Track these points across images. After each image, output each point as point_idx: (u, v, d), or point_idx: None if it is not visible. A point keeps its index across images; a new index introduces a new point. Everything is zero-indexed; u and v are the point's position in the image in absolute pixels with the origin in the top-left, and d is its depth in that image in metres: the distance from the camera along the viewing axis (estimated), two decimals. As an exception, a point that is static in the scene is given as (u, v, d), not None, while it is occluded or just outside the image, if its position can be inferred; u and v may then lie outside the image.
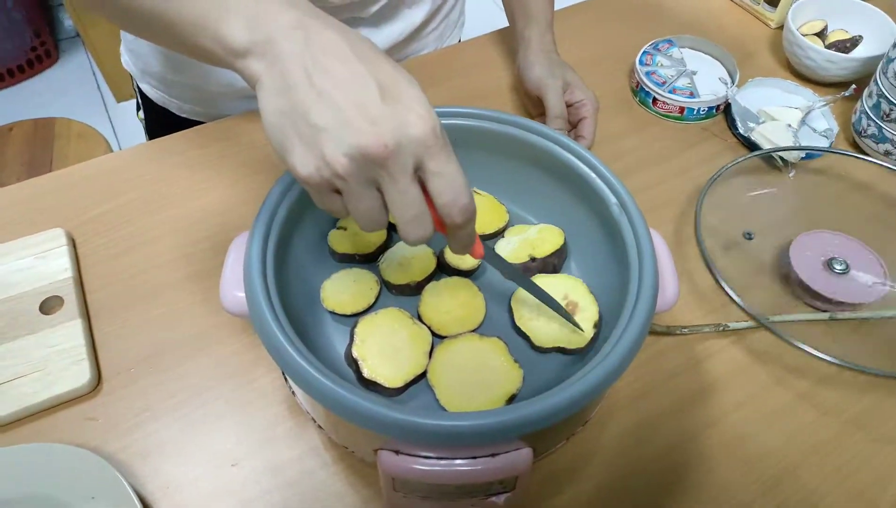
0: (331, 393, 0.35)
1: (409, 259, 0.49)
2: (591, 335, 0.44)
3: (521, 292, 0.47)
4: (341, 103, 0.31)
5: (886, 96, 0.61)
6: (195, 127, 0.67)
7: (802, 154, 0.64)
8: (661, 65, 0.72)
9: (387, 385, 0.42)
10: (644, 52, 0.73)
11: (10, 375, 0.49)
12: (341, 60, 0.31)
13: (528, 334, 0.45)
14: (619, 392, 0.50)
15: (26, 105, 1.85)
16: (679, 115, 0.70)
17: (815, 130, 0.69)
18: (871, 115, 0.64)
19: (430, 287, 0.48)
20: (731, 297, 0.53)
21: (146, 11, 0.38)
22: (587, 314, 0.45)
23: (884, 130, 0.63)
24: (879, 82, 0.62)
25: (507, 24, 0.75)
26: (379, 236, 0.50)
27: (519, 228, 0.52)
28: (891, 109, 0.61)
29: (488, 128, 0.49)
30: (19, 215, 0.60)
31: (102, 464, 0.43)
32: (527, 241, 0.50)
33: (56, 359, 0.50)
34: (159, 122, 0.76)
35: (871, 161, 0.62)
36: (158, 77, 0.72)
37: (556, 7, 0.72)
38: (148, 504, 0.44)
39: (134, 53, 0.72)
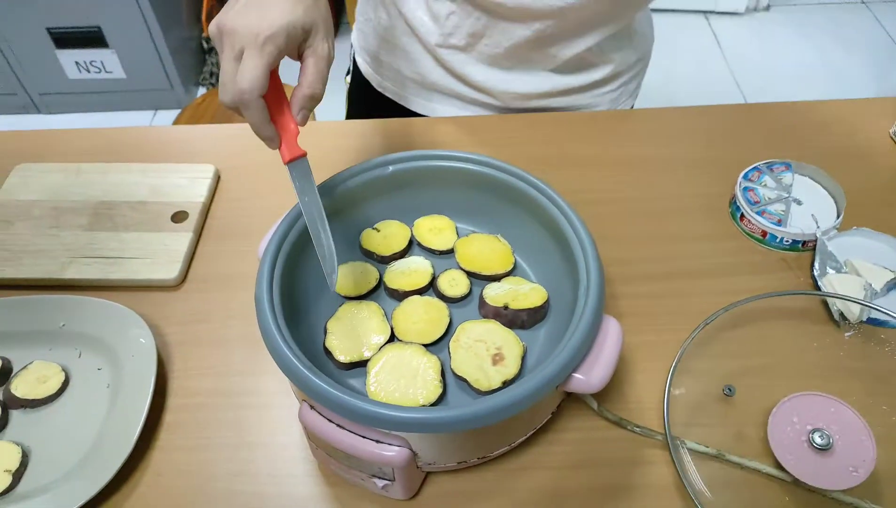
0: (273, 346, 0.46)
1: (410, 273, 0.58)
2: (497, 386, 0.49)
3: (464, 332, 0.54)
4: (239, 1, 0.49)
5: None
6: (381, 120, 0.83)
7: (864, 316, 0.60)
8: (766, 185, 0.71)
9: (336, 357, 0.52)
10: (755, 167, 0.73)
11: (130, 254, 0.67)
12: None
13: (451, 356, 0.52)
14: (545, 452, 0.54)
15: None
16: (762, 238, 0.69)
17: (907, 300, 0.63)
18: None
19: (412, 299, 0.56)
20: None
21: None
22: (505, 371, 0.50)
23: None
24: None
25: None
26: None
27: (517, 279, 0.58)
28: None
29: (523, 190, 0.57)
30: (191, 148, 0.80)
31: (149, 334, 0.59)
32: (513, 291, 0.56)
33: (162, 254, 0.67)
34: (359, 90, 0.93)
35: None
36: (372, 54, 0.88)
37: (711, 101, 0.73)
38: (165, 379, 0.59)
39: (361, 32, 0.89)
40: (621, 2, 0.73)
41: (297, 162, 0.51)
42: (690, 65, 2.22)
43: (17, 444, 0.54)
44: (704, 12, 2.37)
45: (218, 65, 2.07)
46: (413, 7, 0.77)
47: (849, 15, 2.30)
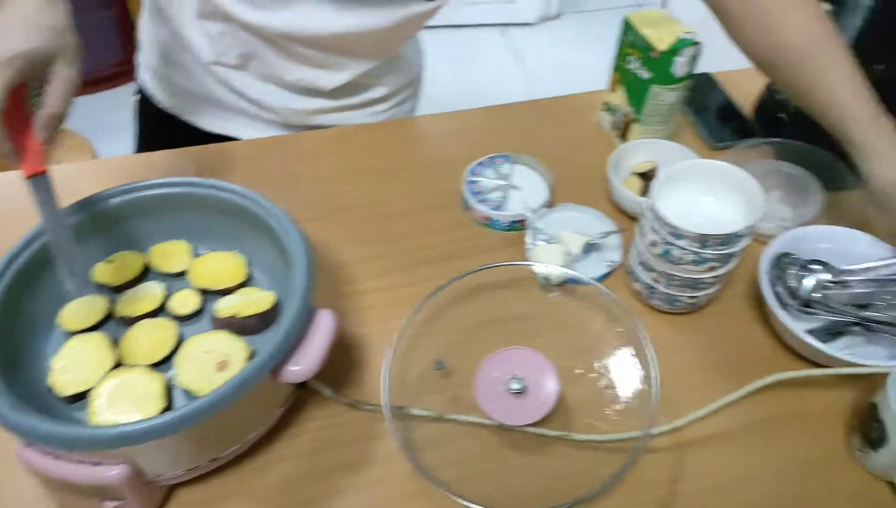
0: None
1: (140, 298, 0.60)
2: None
3: (190, 346, 0.57)
4: None
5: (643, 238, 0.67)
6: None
7: (564, 279, 0.70)
8: (488, 177, 0.81)
9: (58, 392, 0.54)
10: (479, 162, 0.82)
11: None
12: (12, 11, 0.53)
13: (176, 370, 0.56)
14: (287, 445, 0.59)
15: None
16: (486, 222, 0.78)
17: (603, 260, 0.74)
18: (636, 252, 0.69)
19: (141, 323, 0.59)
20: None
21: None
22: (229, 375, 0.54)
23: (636, 273, 0.69)
24: (641, 226, 0.68)
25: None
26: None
27: (249, 289, 0.62)
28: (644, 251, 0.66)
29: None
30: None
31: None
32: (243, 301, 0.60)
33: None
34: (146, 107, 0.94)
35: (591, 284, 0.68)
36: (157, 72, 0.90)
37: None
38: None
39: (146, 50, 0.90)
40: (383, 39, 0.80)
41: (38, 178, 0.54)
42: (489, 77, 2.39)
43: None
44: (500, 25, 2.56)
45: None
46: (188, 26, 0.81)
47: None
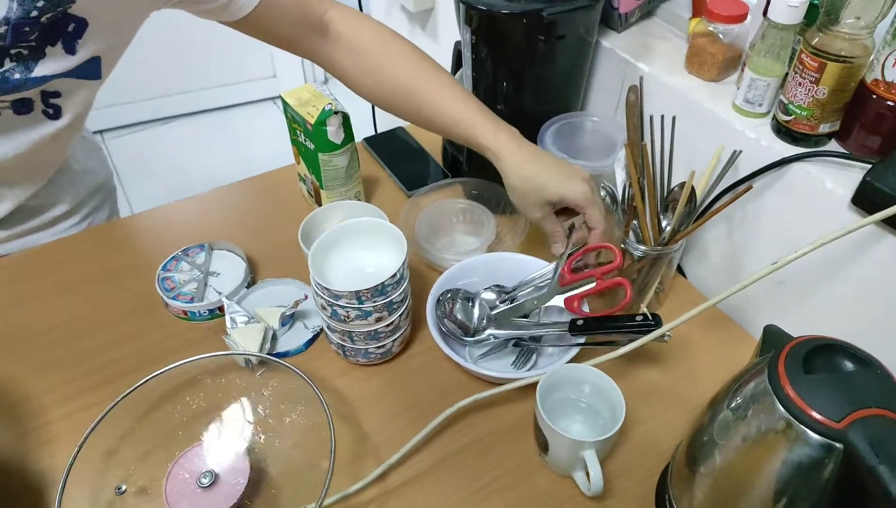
0: None
1: None
2: None
3: None
4: None
5: (317, 302, 0.69)
6: None
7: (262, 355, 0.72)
8: (182, 270, 0.81)
9: None
10: (172, 257, 0.82)
11: None
12: None
13: None
14: None
15: None
16: (185, 316, 0.78)
17: (307, 327, 0.77)
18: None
19: None
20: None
21: None
22: None
23: (328, 335, 0.72)
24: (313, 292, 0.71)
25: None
26: None
27: None
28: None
29: None
30: None
31: None
32: None
33: None
34: None
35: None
36: None
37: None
38: None
39: None
40: (27, 165, 0.76)
41: None
42: (268, 147, 2.41)
43: None
44: (272, 99, 2.60)
45: None
46: None
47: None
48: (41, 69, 0.65)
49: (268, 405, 0.68)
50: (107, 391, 0.70)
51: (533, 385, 0.63)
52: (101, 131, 2.43)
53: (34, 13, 0.60)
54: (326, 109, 0.79)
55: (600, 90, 0.91)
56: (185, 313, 0.77)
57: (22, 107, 0.70)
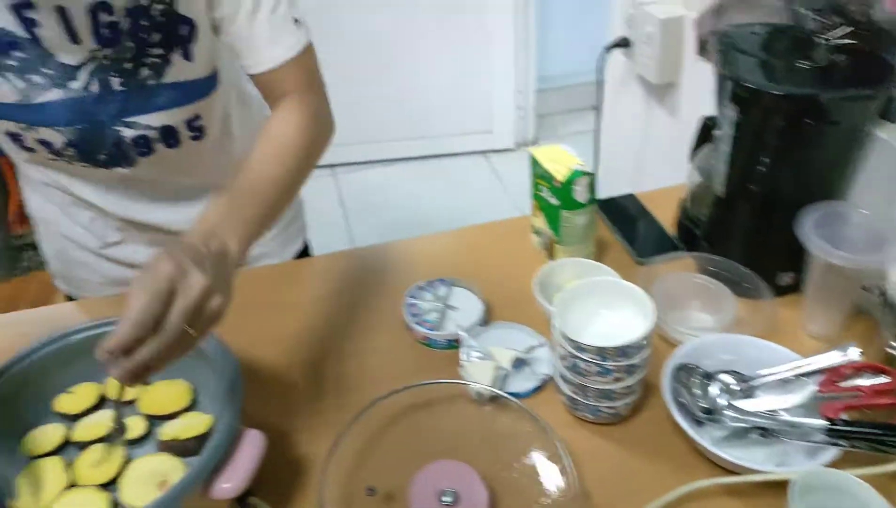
0: None
1: (93, 425, 0.67)
2: None
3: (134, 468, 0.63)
4: None
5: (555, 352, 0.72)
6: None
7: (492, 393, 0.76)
8: (426, 299, 0.89)
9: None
10: (419, 285, 0.91)
11: None
12: None
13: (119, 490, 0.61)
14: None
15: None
16: (426, 342, 0.85)
17: (535, 373, 0.80)
18: (556, 366, 0.75)
19: (94, 447, 0.65)
20: None
21: None
22: None
23: (560, 385, 0.74)
24: (552, 341, 0.74)
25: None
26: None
27: (194, 414, 0.69)
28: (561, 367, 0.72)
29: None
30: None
31: None
32: (185, 425, 0.66)
33: None
34: None
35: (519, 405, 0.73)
36: (66, 278, 1.01)
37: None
38: None
39: (51, 263, 1.01)
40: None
41: None
42: (477, 200, 2.55)
43: None
44: (482, 152, 2.75)
45: (31, 260, 2.06)
46: (67, 224, 0.91)
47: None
48: (169, 76, 0.76)
49: (496, 439, 0.72)
50: (355, 394, 0.78)
51: (779, 483, 0.59)
52: (331, 166, 2.73)
53: (143, 1, 0.70)
54: (576, 169, 0.84)
55: (870, 181, 0.85)
56: (425, 338, 0.84)
57: (170, 138, 0.81)
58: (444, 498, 0.64)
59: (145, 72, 0.74)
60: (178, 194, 0.90)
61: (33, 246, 2.27)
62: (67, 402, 0.70)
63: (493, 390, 0.74)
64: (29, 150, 0.78)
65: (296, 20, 0.76)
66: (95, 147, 0.78)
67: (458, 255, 1.01)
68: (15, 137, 0.76)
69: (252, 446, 0.61)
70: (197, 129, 0.83)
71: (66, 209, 0.89)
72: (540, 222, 0.94)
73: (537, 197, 0.93)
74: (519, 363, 0.81)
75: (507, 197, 2.56)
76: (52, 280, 1.04)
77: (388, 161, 2.73)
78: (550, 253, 0.94)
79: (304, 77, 0.79)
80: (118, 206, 0.87)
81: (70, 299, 1.03)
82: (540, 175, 0.90)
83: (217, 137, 0.87)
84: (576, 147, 0.91)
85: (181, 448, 0.65)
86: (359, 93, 2.44)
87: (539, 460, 0.68)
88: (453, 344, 0.84)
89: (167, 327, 0.51)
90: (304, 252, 1.12)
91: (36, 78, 0.70)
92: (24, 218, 2.35)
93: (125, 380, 0.52)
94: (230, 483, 0.59)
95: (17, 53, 0.68)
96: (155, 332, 0.51)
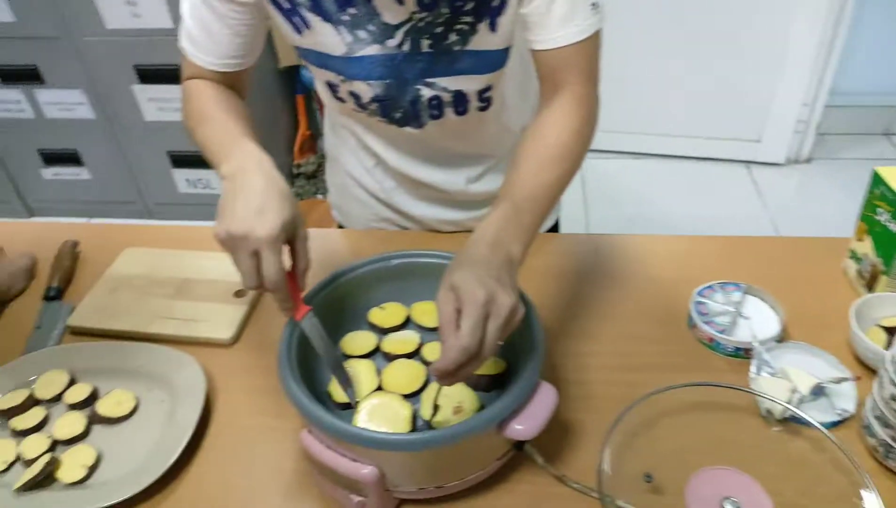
0: (287, 388, 0.63)
1: (401, 341, 0.74)
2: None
3: (434, 389, 0.69)
4: (237, 208, 0.61)
5: (882, 391, 0.65)
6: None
7: (786, 414, 0.70)
8: (716, 300, 0.84)
9: (333, 398, 0.68)
10: (709, 286, 0.86)
11: (200, 318, 0.87)
12: (253, 191, 0.63)
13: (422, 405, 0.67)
14: (497, 498, 0.66)
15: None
16: (709, 343, 0.81)
17: (833, 407, 0.73)
18: (873, 405, 0.67)
19: (400, 361, 0.72)
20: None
21: (201, 146, 0.76)
22: (462, 418, 0.65)
23: (872, 427, 0.66)
24: (880, 378, 0.66)
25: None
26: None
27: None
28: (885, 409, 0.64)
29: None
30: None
31: (203, 378, 0.77)
32: (480, 363, 0.71)
33: (223, 320, 0.87)
34: None
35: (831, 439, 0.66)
36: (342, 210, 1.14)
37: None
38: (210, 412, 0.76)
39: (332, 194, 1.14)
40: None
41: (307, 317, 0.68)
42: (729, 210, 2.37)
43: (95, 448, 0.71)
44: (745, 162, 2.54)
45: (302, 187, 2.37)
46: (353, 165, 1.01)
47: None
48: (472, 44, 0.77)
49: (785, 463, 0.66)
50: (638, 377, 0.77)
51: None
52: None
53: None
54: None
55: None
56: (711, 339, 0.80)
57: (460, 105, 0.84)
58: (727, 506, 0.61)
59: (453, 37, 0.78)
60: (449, 160, 0.96)
61: (305, 176, 2.60)
62: (379, 316, 0.78)
63: (796, 411, 0.68)
64: (340, 100, 0.87)
65: (593, 4, 0.74)
66: (395, 103, 0.85)
67: (750, 263, 0.94)
68: (332, 87, 0.86)
69: (547, 397, 0.63)
70: (485, 99, 0.87)
71: (356, 153, 0.99)
72: (865, 247, 0.84)
73: (868, 219, 0.83)
74: (817, 392, 0.73)
75: (766, 213, 2.34)
76: (329, 209, 1.16)
77: (640, 155, 2.64)
78: (870, 283, 0.84)
79: (585, 64, 0.76)
80: (398, 161, 0.95)
81: (341, 227, 1.15)
82: (881, 196, 0.80)
83: (497, 110, 0.90)
84: (855, 174, 0.79)
85: (474, 382, 0.69)
86: (627, 79, 2.38)
87: (842, 499, 0.62)
88: (740, 353, 0.79)
89: (485, 347, 0.57)
90: (554, 228, 1.13)
91: (361, 33, 0.77)
92: (303, 151, 2.71)
93: (446, 384, 0.59)
94: (523, 426, 0.61)
95: (351, 10, 0.75)
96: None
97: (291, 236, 0.64)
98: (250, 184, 0.63)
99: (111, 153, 2.34)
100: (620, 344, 0.83)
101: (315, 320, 0.68)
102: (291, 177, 2.61)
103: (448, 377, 0.57)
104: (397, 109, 0.85)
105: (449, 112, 0.86)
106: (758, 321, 0.83)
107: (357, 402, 0.68)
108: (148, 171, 2.38)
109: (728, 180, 2.51)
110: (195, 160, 2.31)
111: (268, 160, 0.67)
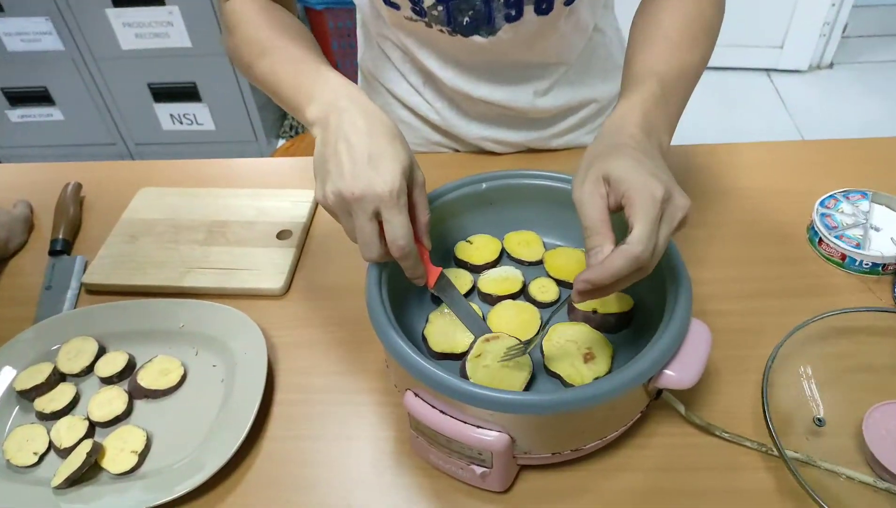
0: (389, 341, 0.51)
1: (502, 280, 0.62)
2: (589, 382, 0.52)
3: (556, 333, 0.58)
4: (343, 161, 0.49)
5: None
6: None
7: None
8: (843, 212, 0.73)
9: (430, 346, 0.56)
10: (831, 195, 0.75)
11: (241, 266, 0.74)
12: (356, 134, 0.50)
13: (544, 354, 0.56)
14: (635, 455, 0.56)
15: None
16: (840, 261, 0.70)
17: None
18: None
19: (505, 303, 0.60)
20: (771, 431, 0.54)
21: (263, 86, 0.62)
22: (597, 368, 0.54)
23: None
24: None
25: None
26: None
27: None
28: None
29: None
30: (289, 179, 0.88)
31: (260, 335, 0.64)
32: (600, 300, 0.59)
33: (269, 267, 0.74)
34: None
35: None
36: None
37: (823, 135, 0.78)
38: (273, 376, 0.64)
39: None
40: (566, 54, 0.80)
41: (440, 280, 0.57)
42: (753, 121, 2.25)
43: (142, 429, 0.59)
44: (766, 70, 2.41)
45: (297, 121, 2.19)
46: (397, 80, 0.86)
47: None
48: None
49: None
50: (767, 304, 0.67)
51: None
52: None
53: None
54: None
55: None
56: (843, 257, 0.70)
57: (542, 4, 0.70)
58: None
59: None
60: (517, 72, 0.81)
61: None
62: (468, 251, 0.66)
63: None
64: (392, 5, 0.72)
65: None
66: (466, 2, 0.70)
67: (870, 167, 0.83)
68: None
69: (701, 340, 0.52)
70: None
71: (401, 67, 0.84)
72: None
73: None
74: (979, 309, 0.64)
75: (791, 121, 2.23)
76: None
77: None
78: None
79: None
80: (456, 79, 0.80)
81: None
82: None
83: (580, 10, 0.76)
84: (879, 77, 0.67)
85: (600, 323, 0.58)
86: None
87: None
88: (876, 270, 0.69)
89: (655, 257, 0.46)
90: None
91: None
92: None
93: (585, 300, 0.48)
94: (677, 373, 0.50)
95: None
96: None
97: (410, 183, 0.52)
98: (351, 126, 0.51)
99: (85, 89, 2.12)
100: (733, 269, 0.72)
101: (446, 279, 0.57)
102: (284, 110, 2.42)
103: (596, 292, 0.46)
104: (467, 10, 0.70)
105: (529, 11, 0.71)
106: (891, 232, 0.72)
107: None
108: (127, 107, 2.17)
109: (751, 91, 2.37)
110: (179, 92, 2.10)
111: (359, 91, 0.54)
